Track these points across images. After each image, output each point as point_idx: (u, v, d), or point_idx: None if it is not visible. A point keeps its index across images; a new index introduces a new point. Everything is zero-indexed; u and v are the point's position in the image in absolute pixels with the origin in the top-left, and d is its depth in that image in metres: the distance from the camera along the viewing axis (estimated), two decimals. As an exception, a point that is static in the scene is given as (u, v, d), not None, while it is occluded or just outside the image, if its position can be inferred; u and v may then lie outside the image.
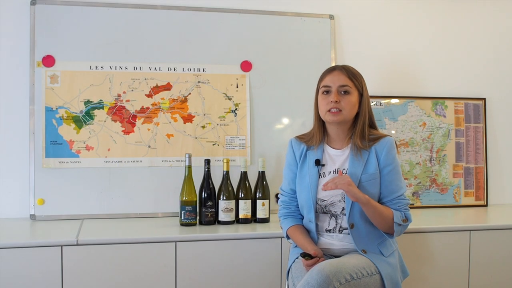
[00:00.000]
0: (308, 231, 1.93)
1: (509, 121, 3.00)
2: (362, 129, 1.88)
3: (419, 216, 2.57)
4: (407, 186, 2.78)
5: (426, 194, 2.82)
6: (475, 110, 2.91)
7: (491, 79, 2.99)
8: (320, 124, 1.94)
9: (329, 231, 1.89)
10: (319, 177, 1.90)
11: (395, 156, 1.88)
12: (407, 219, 1.86)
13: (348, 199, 1.83)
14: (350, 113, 1.87)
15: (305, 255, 1.78)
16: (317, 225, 1.90)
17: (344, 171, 1.88)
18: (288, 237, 1.98)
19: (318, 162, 1.91)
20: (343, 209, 1.86)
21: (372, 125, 1.94)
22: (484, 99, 2.93)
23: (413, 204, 2.80)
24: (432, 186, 2.83)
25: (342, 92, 1.85)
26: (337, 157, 1.91)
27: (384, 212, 1.82)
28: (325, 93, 1.88)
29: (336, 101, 1.83)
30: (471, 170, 2.88)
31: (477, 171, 2.89)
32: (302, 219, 1.97)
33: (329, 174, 1.90)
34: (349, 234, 1.85)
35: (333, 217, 1.89)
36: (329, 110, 1.85)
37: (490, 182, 2.94)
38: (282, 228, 2.01)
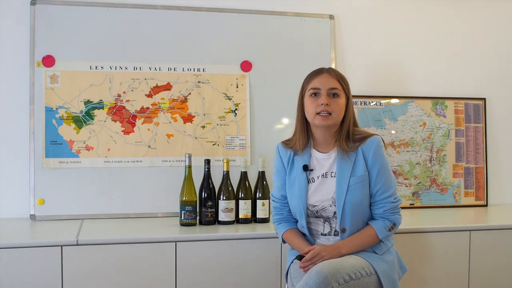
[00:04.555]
0: (303, 234, 1.93)
1: (509, 121, 3.00)
2: (348, 131, 1.86)
3: (419, 216, 2.57)
4: (406, 186, 2.78)
5: (426, 194, 2.82)
6: (475, 110, 2.91)
7: (491, 79, 2.99)
8: (304, 127, 1.91)
9: (325, 235, 1.89)
10: (308, 183, 1.88)
11: (382, 155, 1.84)
12: (394, 224, 1.84)
13: (339, 204, 1.81)
14: (339, 116, 1.84)
15: (301, 258, 1.79)
16: (312, 229, 1.90)
17: (333, 175, 1.86)
18: (284, 242, 1.99)
19: (306, 168, 1.88)
20: (335, 213, 1.85)
21: (355, 124, 1.92)
22: (484, 99, 2.93)
23: (413, 204, 2.80)
24: (432, 186, 2.83)
25: (332, 95, 1.83)
26: (324, 160, 1.88)
27: (368, 240, 1.82)
28: (313, 95, 1.85)
29: (327, 104, 1.80)
30: (471, 170, 2.88)
31: (477, 171, 2.89)
32: (296, 222, 1.97)
33: (318, 178, 1.88)
34: (345, 236, 1.85)
35: (326, 221, 1.88)
36: (318, 113, 1.82)
37: (490, 182, 2.93)
38: (277, 234, 2.01)
